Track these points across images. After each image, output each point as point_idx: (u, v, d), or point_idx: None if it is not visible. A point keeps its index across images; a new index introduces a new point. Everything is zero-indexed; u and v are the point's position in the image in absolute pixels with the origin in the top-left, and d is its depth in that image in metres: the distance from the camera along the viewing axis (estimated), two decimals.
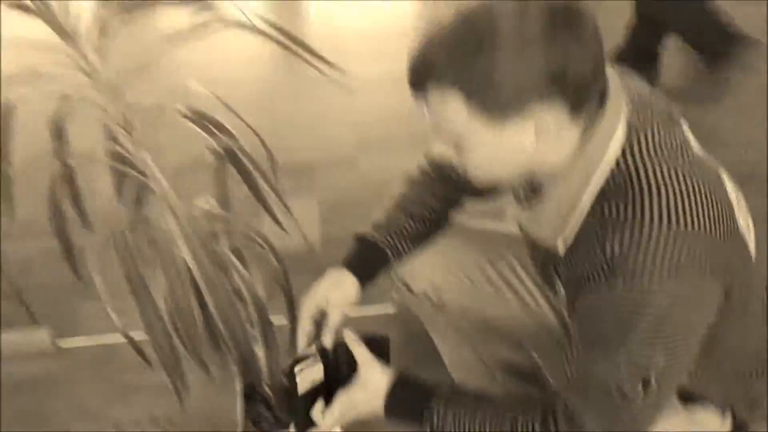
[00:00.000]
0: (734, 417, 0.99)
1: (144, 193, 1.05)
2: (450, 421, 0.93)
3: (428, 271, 1.19)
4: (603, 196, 0.81)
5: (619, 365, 0.80)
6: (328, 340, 1.05)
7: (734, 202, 0.86)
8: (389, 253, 1.13)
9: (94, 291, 1.04)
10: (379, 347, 1.05)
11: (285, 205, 1.19)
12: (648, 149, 0.81)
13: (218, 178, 1.23)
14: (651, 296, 0.76)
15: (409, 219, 1.14)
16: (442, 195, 1.17)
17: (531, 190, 0.94)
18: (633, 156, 0.82)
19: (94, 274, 1.08)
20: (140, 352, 1.18)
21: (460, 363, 1.32)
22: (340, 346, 1.04)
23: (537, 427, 0.87)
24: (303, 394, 0.99)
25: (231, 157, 1.17)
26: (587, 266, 0.80)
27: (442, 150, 0.87)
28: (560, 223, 0.86)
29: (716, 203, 0.81)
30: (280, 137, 2.47)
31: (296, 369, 0.98)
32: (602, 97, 0.83)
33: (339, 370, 1.02)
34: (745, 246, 0.85)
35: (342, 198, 2.31)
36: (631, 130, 0.83)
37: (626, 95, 0.85)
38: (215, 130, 1.10)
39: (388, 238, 1.13)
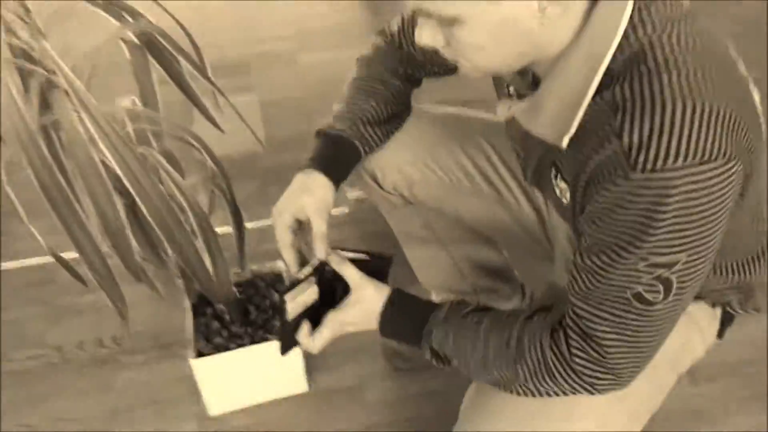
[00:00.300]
0: (724, 309, 0.95)
1: (54, 94, 0.91)
2: (451, 343, 0.85)
3: (399, 163, 1.08)
4: (612, 76, 0.70)
5: (638, 267, 0.71)
6: (320, 251, 0.93)
7: (746, 75, 0.76)
8: (358, 144, 1.01)
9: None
10: (380, 265, 0.96)
11: (221, 101, 1.06)
12: (659, 18, 0.70)
13: (140, 75, 1.10)
14: (674, 183, 0.66)
15: (371, 102, 1.02)
16: (404, 72, 1.05)
17: (527, 83, 0.82)
18: (644, 26, 0.69)
19: (10, 191, 0.96)
20: (73, 272, 1.08)
21: (425, 261, 1.25)
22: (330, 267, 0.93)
23: (546, 342, 0.79)
24: (293, 319, 0.89)
25: (152, 48, 1.03)
26: (600, 159, 0.70)
27: (428, 38, 0.73)
28: (566, 116, 0.73)
29: (733, 78, 0.72)
30: (211, 34, 2.33)
31: (288, 296, 0.87)
32: None
33: (334, 293, 0.93)
34: (760, 122, 0.76)
35: (282, 97, 2.18)
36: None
37: None
38: (128, 17, 0.96)
39: (354, 127, 1.01)
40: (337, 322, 0.90)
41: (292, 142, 1.94)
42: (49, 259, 1.08)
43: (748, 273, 0.88)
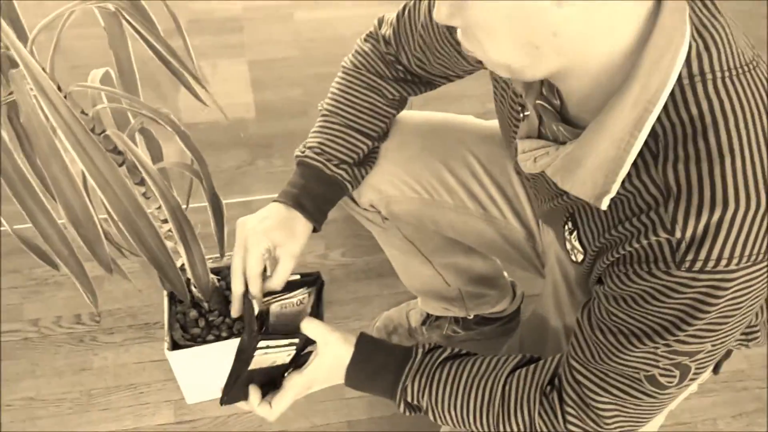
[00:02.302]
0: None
1: (12, 73, 0.83)
2: (427, 397, 0.79)
3: (374, 179, 0.99)
4: (663, 143, 0.58)
5: (658, 352, 0.64)
6: (277, 282, 0.89)
7: None
8: (350, 186, 0.94)
9: None
10: (311, 286, 0.92)
11: (198, 74, 0.97)
12: (722, 64, 0.58)
13: (116, 45, 1.01)
14: (724, 286, 0.58)
15: (363, 138, 0.94)
16: (401, 97, 0.96)
17: (561, 120, 0.68)
18: (703, 78, 0.57)
19: None
20: (42, 256, 1.02)
21: (409, 270, 1.19)
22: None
23: (534, 407, 0.73)
24: (250, 371, 0.83)
25: (127, 16, 0.94)
26: (638, 246, 0.60)
27: (446, 15, 0.60)
28: (607, 174, 0.61)
29: None
30: None
31: (261, 345, 0.80)
32: None
33: (298, 355, 0.87)
34: None
35: (274, 57, 2.08)
36: (697, 39, 0.58)
37: None
38: None
39: (348, 170, 0.93)
40: (303, 384, 0.84)
41: (283, 110, 1.85)
42: (29, 226, 1.02)
43: (753, 321, 0.83)
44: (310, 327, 0.83)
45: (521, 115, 0.75)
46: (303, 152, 0.94)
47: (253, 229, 0.89)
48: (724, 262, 0.57)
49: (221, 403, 0.84)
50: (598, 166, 0.61)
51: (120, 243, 1.03)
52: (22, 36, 0.91)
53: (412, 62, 0.92)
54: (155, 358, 1.32)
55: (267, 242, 0.88)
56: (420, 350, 0.81)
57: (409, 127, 1.01)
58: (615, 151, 0.59)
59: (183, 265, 1.03)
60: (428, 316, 1.31)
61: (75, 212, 0.85)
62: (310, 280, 0.97)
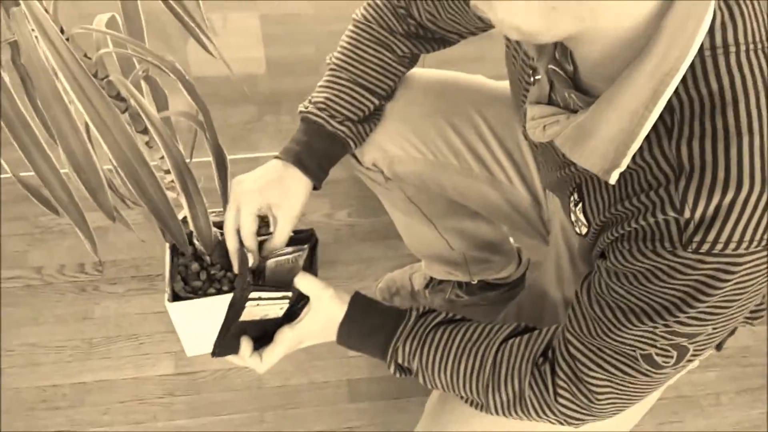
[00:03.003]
0: None
1: (14, 13, 0.81)
2: (418, 359, 0.78)
3: (379, 139, 0.97)
4: (679, 115, 0.55)
5: (657, 332, 0.62)
6: (277, 243, 0.88)
7: None
8: (352, 143, 0.92)
9: None
10: (312, 246, 0.91)
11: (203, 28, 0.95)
12: (745, 35, 0.54)
13: None
14: (730, 269, 0.56)
15: (371, 98, 0.92)
16: (411, 54, 0.93)
17: (574, 89, 0.64)
18: (726, 50, 0.54)
19: None
20: (45, 203, 1.01)
21: (412, 232, 1.18)
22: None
23: (526, 377, 0.72)
24: (242, 322, 0.81)
25: None
26: (644, 223, 0.58)
27: None
28: (619, 146, 0.58)
29: None
30: None
31: (253, 296, 0.78)
32: None
33: (291, 310, 0.85)
34: None
35: (287, 12, 2.04)
36: (722, 7, 0.55)
37: None
38: None
39: (351, 127, 0.91)
40: (294, 339, 0.82)
41: (294, 67, 1.82)
42: (33, 174, 1.01)
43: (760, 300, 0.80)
44: (303, 282, 0.82)
45: (532, 78, 0.72)
46: (306, 107, 0.92)
47: (248, 187, 0.88)
48: (732, 245, 0.54)
49: (212, 355, 0.84)
50: (610, 138, 0.58)
51: (123, 193, 1.02)
52: None
53: (423, 16, 0.89)
54: (157, 310, 1.32)
55: (260, 201, 0.87)
56: (414, 313, 0.80)
57: (416, 85, 0.98)
58: (628, 123, 0.57)
59: (185, 217, 1.02)
60: (431, 279, 1.30)
61: (76, 157, 0.84)
62: (304, 236, 0.96)
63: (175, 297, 1.09)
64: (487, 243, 1.19)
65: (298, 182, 0.88)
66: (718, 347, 0.88)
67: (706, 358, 1.26)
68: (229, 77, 1.72)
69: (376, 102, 0.93)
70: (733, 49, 0.54)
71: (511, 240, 1.28)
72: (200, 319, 1.14)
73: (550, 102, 0.68)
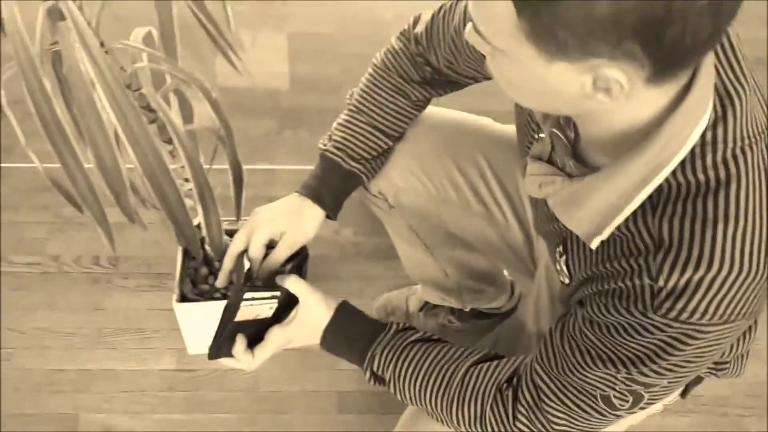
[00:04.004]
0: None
1: (60, 25, 0.88)
2: (391, 370, 0.84)
3: (386, 169, 1.03)
4: (665, 197, 0.62)
5: (618, 377, 0.68)
6: (271, 264, 0.95)
7: None
8: (365, 179, 0.99)
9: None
10: (301, 259, 0.97)
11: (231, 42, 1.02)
12: (734, 134, 0.60)
13: (161, 6, 1.06)
14: (693, 336, 0.62)
15: (385, 139, 0.98)
16: (425, 78, 0.99)
17: (573, 157, 0.70)
18: (714, 147, 0.60)
19: (8, 110, 0.95)
20: (69, 198, 1.08)
21: (411, 258, 1.23)
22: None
23: (488, 400, 0.77)
24: (237, 323, 0.88)
25: None
26: (621, 286, 0.64)
27: (474, 42, 0.60)
28: (604, 219, 0.65)
29: None
30: None
31: (247, 296, 0.85)
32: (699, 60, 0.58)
33: (282, 312, 0.92)
34: None
35: (315, 32, 2.12)
36: (717, 107, 0.61)
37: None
38: None
39: (365, 164, 0.97)
40: (283, 338, 0.89)
41: (317, 84, 1.89)
42: (58, 166, 1.08)
43: (725, 356, 0.86)
44: (292, 283, 0.88)
45: (536, 135, 0.78)
46: (325, 145, 0.99)
47: (263, 216, 0.95)
48: (697, 315, 0.61)
49: (209, 357, 0.90)
50: (598, 210, 0.65)
51: (143, 195, 1.08)
52: None
53: (441, 62, 0.95)
54: (164, 307, 1.38)
55: (273, 229, 0.94)
56: (393, 327, 0.86)
57: (427, 123, 1.04)
58: (617, 200, 0.63)
59: (199, 223, 1.08)
60: (426, 303, 1.36)
61: (105, 162, 0.91)
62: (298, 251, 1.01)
63: (183, 298, 1.15)
64: (481, 274, 1.25)
65: (312, 213, 0.95)
66: (683, 394, 0.93)
67: (682, 404, 1.30)
68: (254, 89, 1.80)
69: (390, 143, 1.00)
70: (721, 146, 0.60)
71: (505, 273, 1.34)
72: (204, 320, 1.20)
73: (550, 160, 0.74)
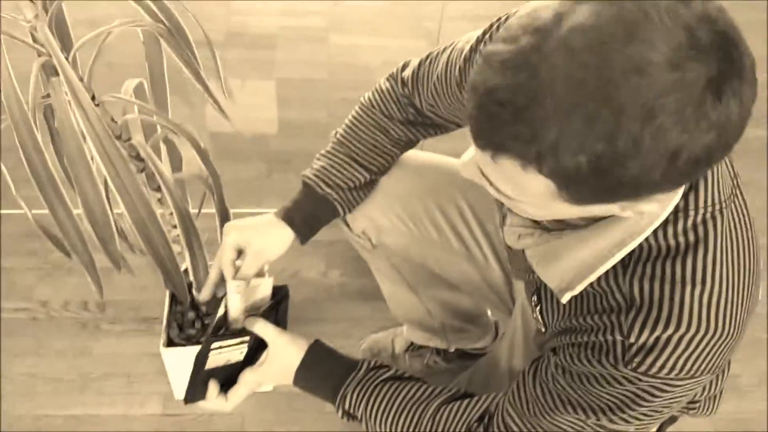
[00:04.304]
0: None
1: (52, 79, 0.92)
2: (362, 409, 0.86)
3: (369, 208, 1.06)
4: (637, 259, 0.65)
5: (587, 424, 0.71)
6: (243, 274, 0.97)
7: (762, 268, 0.72)
8: (341, 209, 1.02)
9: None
10: (279, 299, 0.99)
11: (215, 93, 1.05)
12: (705, 200, 0.64)
13: (152, 58, 1.10)
14: (662, 388, 0.65)
15: (363, 172, 1.01)
16: (406, 139, 1.03)
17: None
18: (685, 215, 0.64)
19: (3, 166, 0.98)
20: (58, 244, 1.10)
21: (395, 297, 1.26)
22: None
23: None
24: (210, 369, 0.91)
25: (165, 37, 1.03)
26: (594, 340, 0.67)
27: (470, 174, 0.64)
28: (576, 276, 0.68)
29: (751, 285, 0.67)
30: (237, 5, 2.31)
31: (214, 346, 0.88)
32: None
33: (255, 354, 0.95)
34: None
35: (303, 77, 2.16)
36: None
37: None
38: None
39: (341, 193, 1.01)
40: (254, 380, 0.91)
41: (305, 128, 1.93)
42: (47, 212, 1.09)
43: (697, 396, 0.89)
44: (257, 326, 0.91)
45: None
46: (306, 173, 1.03)
47: (234, 224, 0.99)
48: (666, 371, 0.64)
49: (185, 402, 0.92)
50: (572, 266, 0.68)
51: (132, 241, 1.11)
52: (67, 43, 1.00)
53: (424, 106, 0.99)
54: (151, 351, 1.39)
55: (240, 238, 0.97)
56: (365, 365, 0.89)
57: (411, 165, 1.08)
58: (592, 260, 0.67)
59: (186, 268, 1.10)
60: (412, 344, 1.37)
61: (94, 213, 0.93)
62: (276, 291, 1.04)
63: (170, 342, 1.17)
64: (465, 314, 1.27)
65: (281, 233, 0.98)
66: None
67: None
68: (240, 133, 1.83)
69: (367, 176, 1.02)
70: (692, 213, 0.64)
71: (489, 313, 1.36)
72: (191, 365, 1.21)
73: None
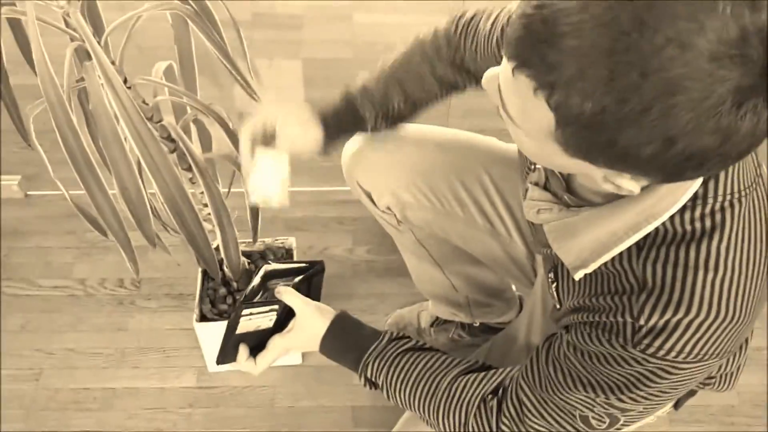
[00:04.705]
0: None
1: (86, 64, 0.95)
2: (383, 377, 0.89)
3: (394, 186, 1.08)
4: (653, 241, 0.66)
5: (596, 400, 0.73)
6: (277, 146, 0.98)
7: None
8: (368, 125, 1.03)
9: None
10: (312, 273, 1.01)
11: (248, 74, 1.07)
12: (725, 187, 0.64)
13: (181, 41, 1.13)
14: (669, 371, 0.66)
15: (401, 99, 1.01)
16: (448, 81, 1.02)
17: (571, 193, 0.75)
18: (704, 201, 0.64)
19: (38, 144, 1.02)
20: (94, 223, 1.14)
21: (420, 272, 1.28)
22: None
23: (472, 410, 0.81)
24: (241, 334, 0.94)
25: (194, 19, 1.05)
26: (605, 320, 0.68)
27: (490, 90, 0.62)
28: (592, 255, 0.69)
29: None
30: None
31: (245, 312, 0.91)
32: None
33: (284, 322, 0.98)
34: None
35: (329, 57, 2.18)
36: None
37: None
38: None
39: (375, 114, 1.01)
40: (282, 345, 0.94)
41: None
42: (83, 193, 1.13)
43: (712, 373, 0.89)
44: (285, 295, 0.93)
45: (533, 165, 0.82)
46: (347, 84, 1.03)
47: (270, 99, 1.00)
48: (673, 354, 0.65)
49: (216, 362, 0.96)
50: (588, 244, 0.69)
51: (165, 220, 1.14)
52: (99, 28, 1.03)
53: (467, 54, 0.98)
54: (185, 327, 1.44)
55: (265, 119, 0.97)
56: (387, 336, 0.91)
57: (434, 141, 1.09)
58: (607, 239, 0.68)
59: (218, 246, 1.14)
60: (437, 318, 1.40)
61: (129, 192, 0.97)
62: (311, 264, 1.06)
63: (203, 317, 1.21)
64: (489, 288, 1.29)
65: (312, 124, 0.99)
66: (676, 406, 0.97)
67: (690, 414, 1.33)
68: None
69: (402, 103, 1.02)
70: (710, 201, 0.64)
71: (513, 288, 1.38)
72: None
73: (549, 187, 0.78)
